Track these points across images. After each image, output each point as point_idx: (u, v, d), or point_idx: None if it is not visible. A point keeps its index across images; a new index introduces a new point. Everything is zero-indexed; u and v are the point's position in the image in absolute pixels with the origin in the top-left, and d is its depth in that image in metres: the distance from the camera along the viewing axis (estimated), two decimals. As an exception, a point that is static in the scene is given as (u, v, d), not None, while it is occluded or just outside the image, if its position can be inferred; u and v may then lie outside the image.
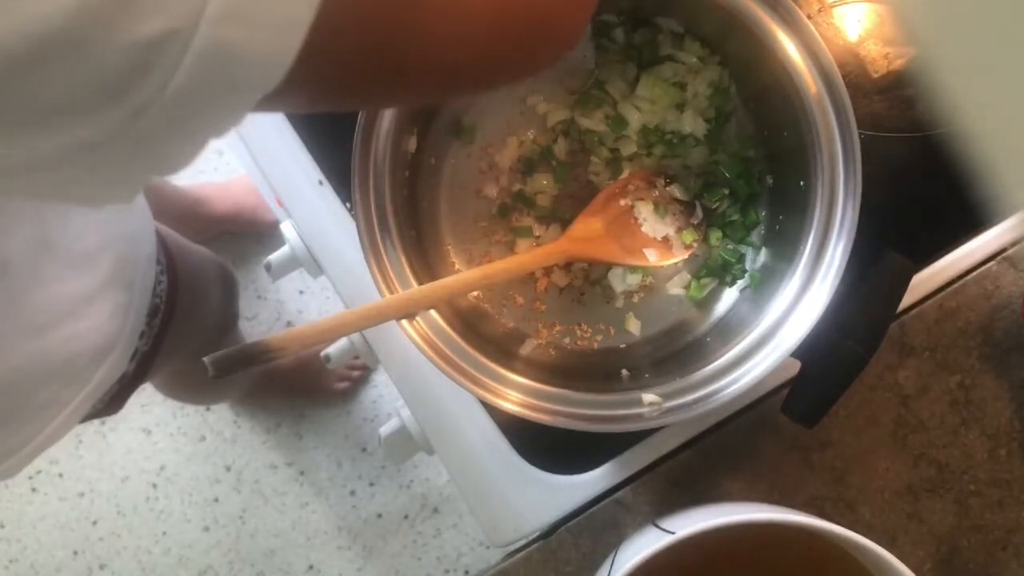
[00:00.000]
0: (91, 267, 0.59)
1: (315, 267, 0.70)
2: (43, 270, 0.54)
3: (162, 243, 0.74)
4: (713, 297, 0.64)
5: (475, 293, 0.63)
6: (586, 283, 0.64)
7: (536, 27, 0.39)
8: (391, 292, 0.55)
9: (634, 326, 0.63)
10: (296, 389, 1.48)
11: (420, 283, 0.56)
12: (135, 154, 0.29)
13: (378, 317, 0.53)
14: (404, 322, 0.54)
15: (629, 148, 0.64)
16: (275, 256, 0.79)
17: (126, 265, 0.63)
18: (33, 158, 0.27)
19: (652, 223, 0.62)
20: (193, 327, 0.85)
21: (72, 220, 0.56)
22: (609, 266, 0.63)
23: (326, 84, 0.33)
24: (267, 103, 0.29)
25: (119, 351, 0.64)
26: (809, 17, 0.57)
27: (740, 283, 0.63)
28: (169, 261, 0.74)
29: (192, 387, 1.17)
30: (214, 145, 0.31)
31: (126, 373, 0.68)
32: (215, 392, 1.31)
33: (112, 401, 0.70)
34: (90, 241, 0.58)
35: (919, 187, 0.66)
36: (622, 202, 0.62)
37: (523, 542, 0.66)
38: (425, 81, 0.37)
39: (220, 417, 1.51)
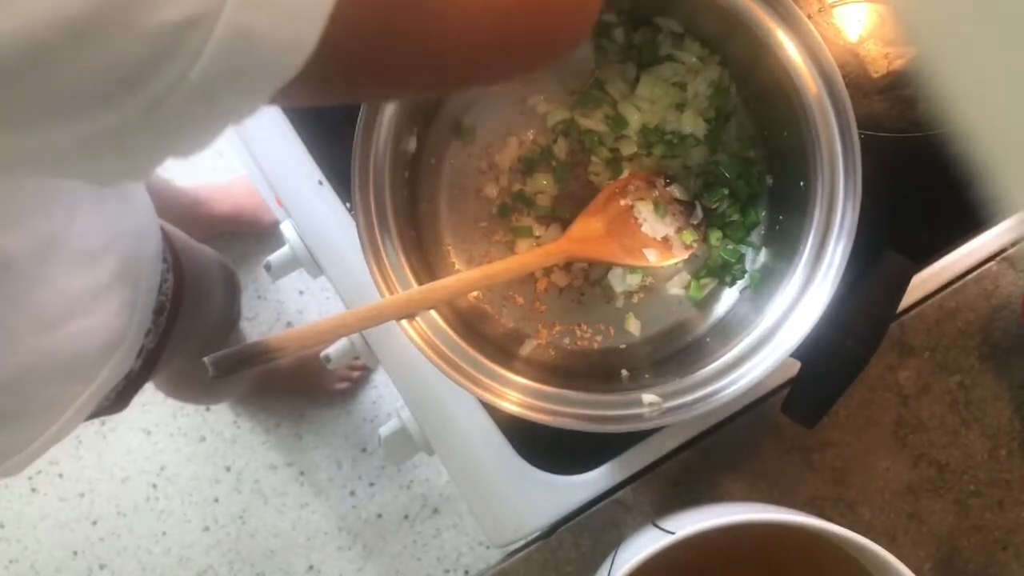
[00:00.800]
0: (97, 264, 0.59)
1: (315, 267, 0.70)
2: (49, 267, 0.54)
3: (168, 241, 0.74)
4: (713, 297, 0.64)
5: (475, 293, 0.63)
6: (586, 283, 0.64)
7: (546, 17, 0.38)
8: (391, 292, 0.55)
9: (634, 326, 0.63)
10: (296, 389, 1.48)
11: (420, 283, 0.56)
12: (152, 139, 0.28)
13: (378, 317, 0.53)
14: (404, 322, 0.54)
15: (629, 148, 0.64)
16: (275, 256, 0.79)
17: (132, 262, 0.63)
18: (49, 144, 0.27)
19: (652, 223, 0.62)
20: (197, 326, 0.85)
21: (78, 217, 0.56)
22: (609, 266, 0.63)
23: (341, 72, 0.33)
24: (282, 93, 0.29)
25: (125, 348, 0.64)
26: (809, 17, 0.57)
27: (740, 283, 0.63)
28: (175, 259, 0.74)
29: (193, 387, 1.17)
30: (214, 145, 0.31)
31: (132, 370, 0.68)
32: (215, 392, 1.31)
33: (118, 398, 0.70)
34: (96, 238, 0.59)
35: (919, 187, 0.66)
36: (622, 202, 0.62)
37: (523, 542, 0.66)
38: (438, 69, 0.37)
39: (220, 417, 1.51)
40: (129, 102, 0.26)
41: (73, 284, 0.56)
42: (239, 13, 0.25)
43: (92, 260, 0.58)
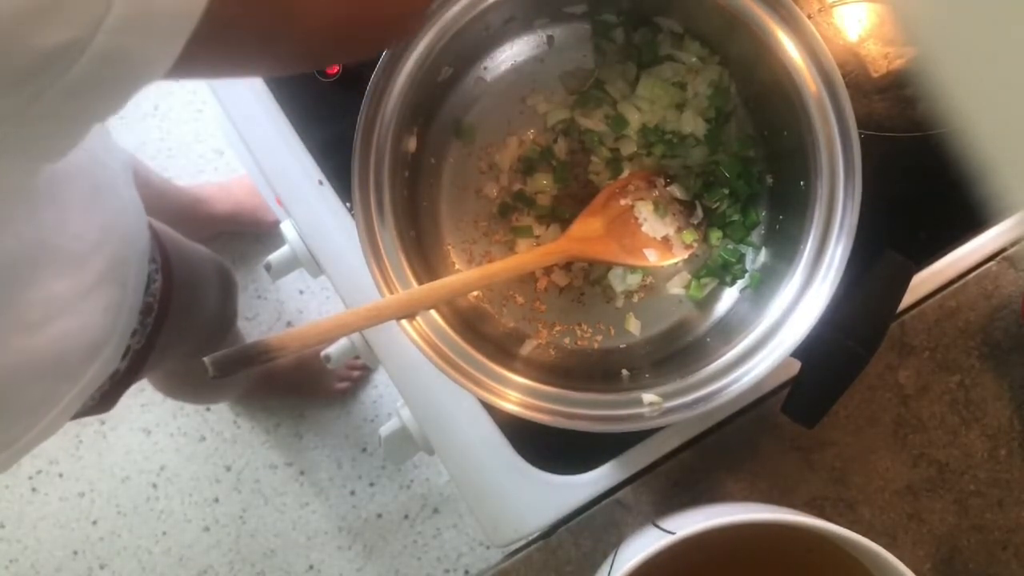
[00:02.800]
0: (84, 266, 0.59)
1: (315, 267, 0.71)
2: (36, 269, 0.54)
3: (158, 242, 0.74)
4: (713, 297, 0.64)
5: (475, 293, 0.63)
6: (586, 283, 0.64)
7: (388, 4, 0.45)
8: (391, 292, 0.55)
9: (634, 326, 0.63)
10: (296, 389, 1.48)
11: (420, 283, 0.56)
12: (31, 131, 0.35)
13: (378, 317, 0.53)
14: (404, 322, 0.54)
15: (629, 148, 0.64)
16: (275, 256, 0.79)
17: (120, 263, 0.63)
18: None
19: (652, 223, 0.62)
20: (189, 326, 0.85)
21: (69, 220, 0.56)
22: (609, 266, 0.63)
23: (208, 66, 0.40)
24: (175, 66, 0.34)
25: (111, 349, 0.64)
26: (809, 17, 0.57)
27: (740, 283, 0.63)
28: (164, 260, 0.74)
29: (191, 386, 1.17)
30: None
31: (118, 370, 0.68)
32: (214, 392, 1.31)
33: (104, 398, 0.70)
34: (86, 241, 0.59)
35: (919, 187, 0.66)
36: (622, 202, 0.62)
37: (523, 542, 0.66)
38: (300, 41, 0.42)
39: (220, 417, 1.52)
40: (8, 99, 0.32)
41: (60, 286, 0.56)
42: (112, 36, 0.31)
43: (79, 262, 0.58)
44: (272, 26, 0.39)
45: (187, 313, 0.81)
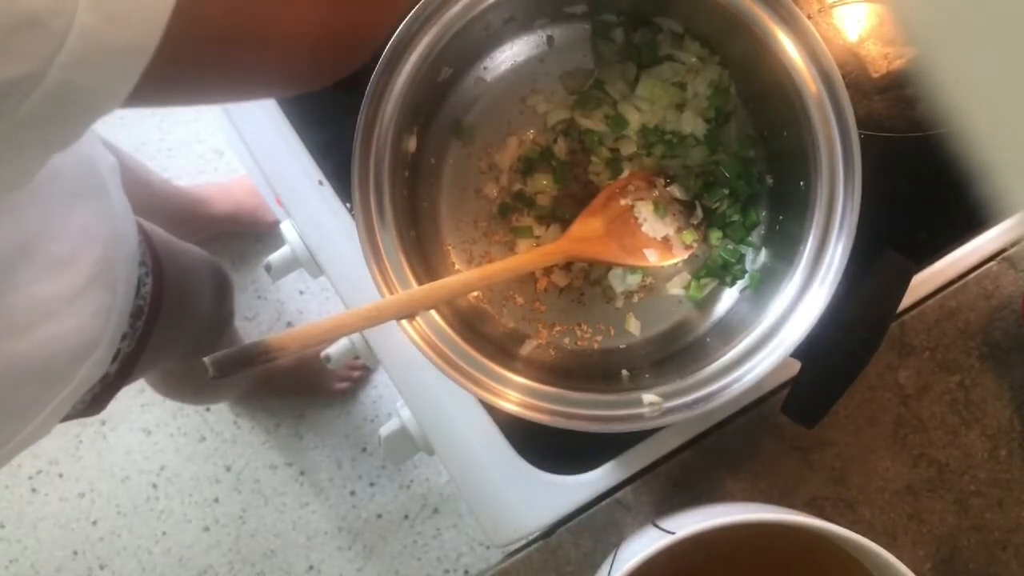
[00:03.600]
0: (71, 269, 0.58)
1: (315, 267, 0.71)
2: (21, 273, 0.54)
3: (148, 244, 0.74)
4: (713, 297, 0.64)
5: (475, 293, 0.63)
6: (586, 283, 0.64)
7: (349, 37, 0.45)
8: (391, 292, 0.55)
9: (634, 326, 0.63)
10: (296, 389, 1.48)
11: (420, 283, 0.56)
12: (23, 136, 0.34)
13: (378, 317, 0.53)
14: (404, 322, 0.54)
15: (629, 148, 0.64)
16: (275, 256, 0.79)
17: (108, 267, 0.63)
18: None
19: (652, 223, 0.62)
20: (182, 328, 0.85)
21: (52, 223, 0.56)
22: (609, 266, 0.63)
23: (166, 96, 0.40)
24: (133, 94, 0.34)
25: (100, 352, 0.64)
26: (809, 17, 0.57)
27: (740, 283, 0.63)
28: (155, 263, 0.74)
29: (189, 387, 1.16)
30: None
31: (108, 374, 0.68)
32: (213, 392, 1.31)
33: (94, 401, 0.70)
34: (70, 244, 0.58)
35: (919, 187, 0.66)
36: (622, 202, 0.62)
37: (523, 542, 0.66)
38: (261, 71, 0.43)
39: (220, 417, 1.52)
40: None
41: (46, 289, 0.56)
42: (64, 72, 0.31)
43: (66, 265, 0.58)
44: (233, 58, 0.39)
45: (179, 315, 0.81)
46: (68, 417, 0.66)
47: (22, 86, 0.30)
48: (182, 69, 0.37)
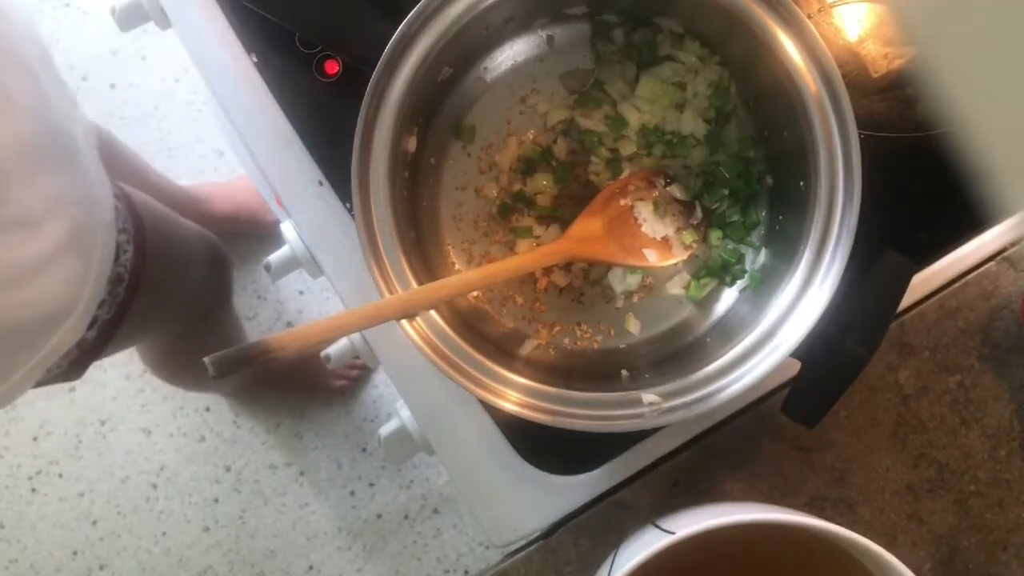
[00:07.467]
0: (36, 236, 0.57)
1: (315, 267, 0.70)
2: None
3: (132, 211, 0.73)
4: (713, 297, 0.64)
5: (475, 293, 0.63)
6: (586, 283, 0.64)
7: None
8: (391, 292, 0.55)
9: (634, 326, 0.63)
10: (296, 388, 1.48)
11: (420, 283, 0.56)
12: None
13: (378, 317, 0.53)
14: (404, 322, 0.54)
15: (629, 148, 0.64)
16: (275, 256, 0.79)
17: (82, 234, 0.62)
18: None
19: (652, 223, 0.62)
20: (168, 299, 0.84)
21: (12, 186, 0.55)
22: (609, 266, 0.63)
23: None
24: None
25: (75, 318, 0.63)
26: (809, 17, 0.57)
27: (740, 283, 0.63)
28: (138, 230, 0.73)
29: (180, 367, 1.14)
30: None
31: (85, 339, 0.67)
32: (205, 378, 1.30)
33: (72, 366, 0.70)
34: (32, 207, 0.57)
35: (919, 187, 0.66)
36: (622, 202, 0.62)
37: (523, 542, 0.66)
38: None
39: (220, 417, 1.52)
40: None
41: (9, 255, 0.55)
42: None
43: (30, 232, 0.57)
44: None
45: (165, 286, 0.80)
46: (45, 382, 0.66)
47: None
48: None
